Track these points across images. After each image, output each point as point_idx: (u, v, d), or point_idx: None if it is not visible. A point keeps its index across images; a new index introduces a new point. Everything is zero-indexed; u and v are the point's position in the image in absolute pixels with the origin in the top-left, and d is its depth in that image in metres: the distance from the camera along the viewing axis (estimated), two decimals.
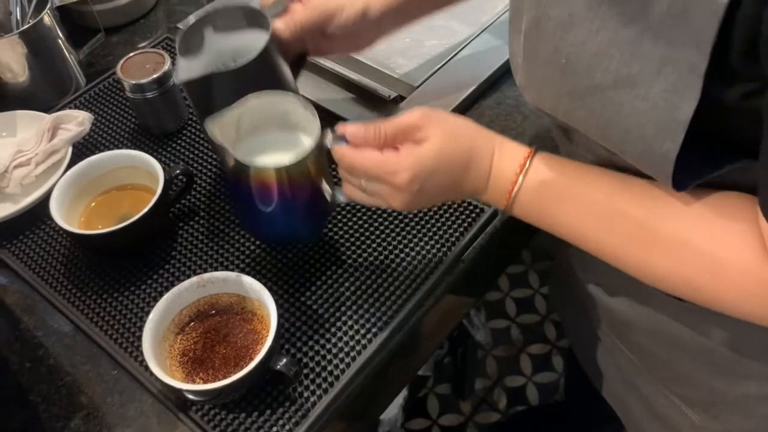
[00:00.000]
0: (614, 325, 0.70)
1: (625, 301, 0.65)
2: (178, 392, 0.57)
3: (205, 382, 0.57)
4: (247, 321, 0.60)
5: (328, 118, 0.80)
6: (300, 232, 0.65)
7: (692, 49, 0.38)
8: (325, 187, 0.60)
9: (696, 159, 0.42)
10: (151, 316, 0.57)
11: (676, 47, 0.39)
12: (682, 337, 0.60)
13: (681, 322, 0.59)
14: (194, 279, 0.60)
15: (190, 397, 0.57)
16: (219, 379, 0.54)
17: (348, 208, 0.71)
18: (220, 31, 0.67)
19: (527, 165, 0.52)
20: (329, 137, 0.55)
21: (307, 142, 0.58)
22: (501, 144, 0.54)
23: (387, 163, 0.52)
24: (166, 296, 0.59)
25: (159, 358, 0.56)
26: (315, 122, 0.56)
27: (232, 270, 0.67)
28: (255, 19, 0.66)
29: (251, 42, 0.64)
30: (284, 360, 0.56)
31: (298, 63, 0.71)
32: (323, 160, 0.58)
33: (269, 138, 0.61)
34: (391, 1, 0.65)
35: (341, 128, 0.54)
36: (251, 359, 0.55)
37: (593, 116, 0.45)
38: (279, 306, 0.64)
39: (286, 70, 0.66)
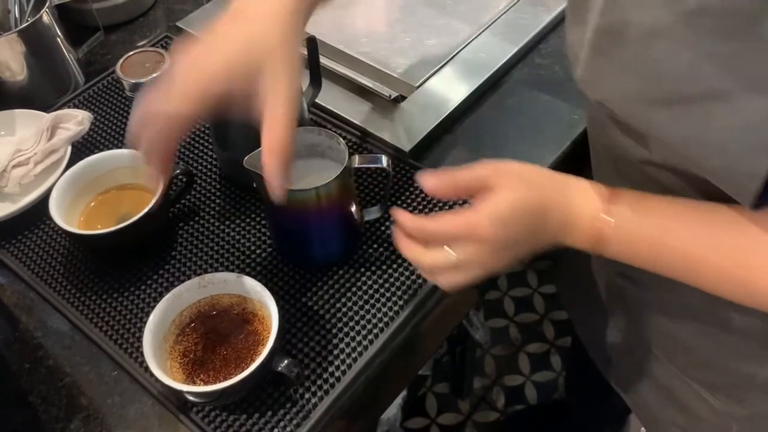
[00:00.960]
0: (633, 314, 0.70)
1: (654, 290, 0.64)
2: (179, 394, 0.57)
3: (206, 383, 0.56)
4: (248, 322, 0.60)
5: (330, 118, 0.80)
6: (334, 251, 0.67)
7: None
8: (355, 207, 0.64)
9: None
10: (151, 317, 0.57)
11: None
12: (711, 324, 0.60)
13: (711, 311, 0.59)
14: (195, 280, 0.59)
15: (191, 398, 0.57)
16: (220, 381, 0.54)
17: None
18: None
19: (606, 205, 0.51)
20: (356, 159, 0.60)
21: (335, 168, 0.61)
22: (577, 185, 0.53)
23: (466, 221, 0.50)
24: (167, 297, 0.58)
25: (159, 360, 0.56)
26: (341, 149, 0.61)
27: (233, 270, 0.67)
28: None
29: None
30: (286, 361, 0.56)
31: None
32: (351, 183, 0.63)
33: (300, 167, 0.65)
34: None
35: (424, 181, 0.53)
36: (252, 361, 0.55)
37: (675, 124, 0.44)
38: (280, 307, 0.64)
39: (299, 98, 0.69)
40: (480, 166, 0.52)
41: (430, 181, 0.52)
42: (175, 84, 0.50)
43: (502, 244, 0.50)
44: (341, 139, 0.62)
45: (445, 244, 0.51)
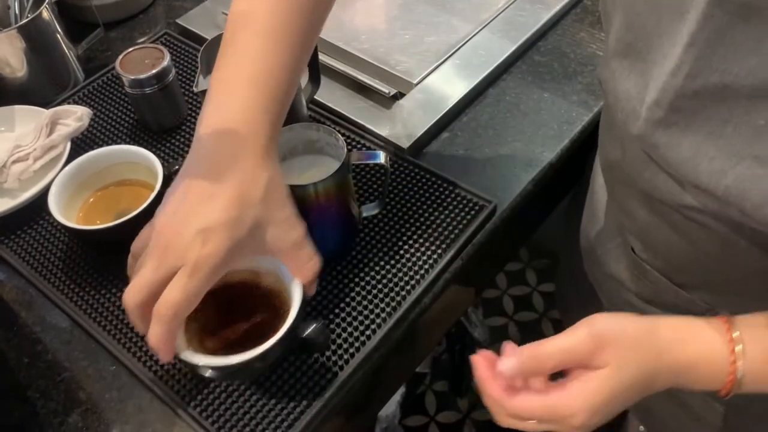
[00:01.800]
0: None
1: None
2: (198, 370, 0.53)
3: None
4: (264, 296, 0.57)
5: (328, 115, 0.80)
6: (332, 247, 0.67)
7: None
8: (352, 204, 0.65)
9: None
10: None
11: None
12: None
13: None
14: None
15: (210, 374, 0.53)
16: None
17: None
18: None
19: (739, 347, 0.46)
20: (354, 155, 0.60)
21: (333, 164, 0.62)
22: (692, 331, 0.48)
23: (557, 408, 0.46)
24: None
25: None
26: (339, 145, 0.61)
27: None
28: None
29: None
30: (313, 326, 0.52)
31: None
32: (349, 179, 0.64)
33: (298, 163, 0.65)
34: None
35: (503, 366, 0.47)
36: (273, 334, 0.52)
37: None
38: None
39: (298, 95, 0.72)
40: (575, 338, 0.46)
41: (509, 365, 0.46)
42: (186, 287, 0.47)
43: (596, 423, 0.46)
44: (339, 135, 0.62)
45: (530, 420, 0.48)
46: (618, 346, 0.46)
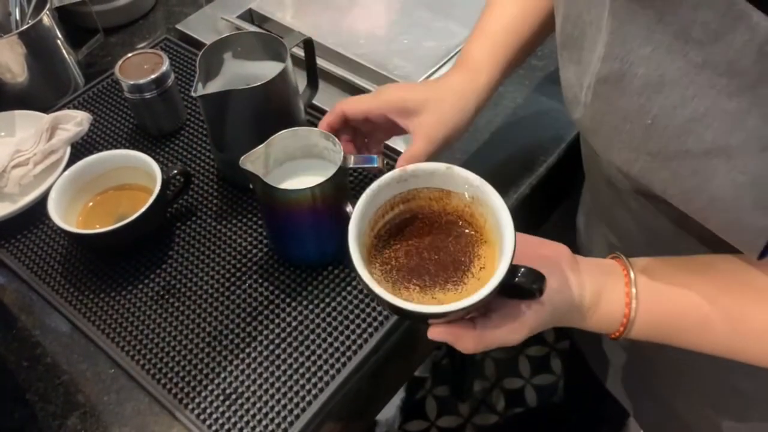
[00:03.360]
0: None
1: None
2: (417, 316, 0.45)
3: (422, 289, 0.48)
4: (453, 223, 0.52)
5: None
6: (329, 250, 0.67)
7: None
8: (350, 207, 0.64)
9: None
10: (351, 221, 0.48)
11: None
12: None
13: None
14: (396, 172, 0.51)
15: (432, 318, 0.46)
16: (440, 285, 0.48)
17: None
18: (238, 56, 0.72)
19: (633, 299, 0.49)
20: (351, 159, 0.61)
21: (330, 168, 0.62)
22: (597, 283, 0.50)
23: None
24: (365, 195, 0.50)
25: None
26: (336, 150, 0.62)
27: (230, 270, 0.67)
28: (273, 47, 0.71)
29: (267, 69, 0.70)
30: (522, 270, 0.45)
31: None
32: (346, 183, 0.64)
33: (296, 167, 0.66)
34: (497, 80, 0.65)
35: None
36: (470, 264, 0.49)
37: (677, 179, 0.43)
38: (271, 303, 0.65)
39: (296, 99, 0.72)
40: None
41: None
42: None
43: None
44: (337, 139, 0.62)
45: None
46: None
